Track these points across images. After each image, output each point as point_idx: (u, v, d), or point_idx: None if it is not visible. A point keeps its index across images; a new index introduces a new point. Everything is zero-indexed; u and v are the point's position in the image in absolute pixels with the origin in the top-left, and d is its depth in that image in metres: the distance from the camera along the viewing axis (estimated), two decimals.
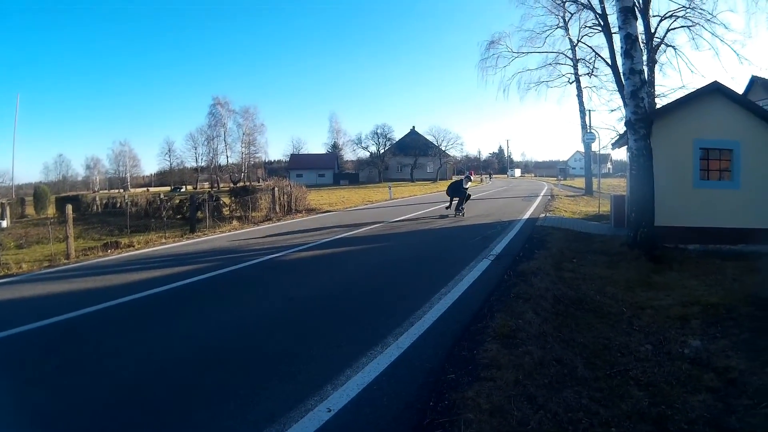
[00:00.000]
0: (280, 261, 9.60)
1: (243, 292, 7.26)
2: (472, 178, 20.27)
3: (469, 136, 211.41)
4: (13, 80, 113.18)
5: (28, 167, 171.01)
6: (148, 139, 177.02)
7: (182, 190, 72.57)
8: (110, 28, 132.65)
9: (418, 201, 27.78)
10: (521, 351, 3.99)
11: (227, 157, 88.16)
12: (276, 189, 21.66)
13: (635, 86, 10.04)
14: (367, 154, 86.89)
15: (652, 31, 22.28)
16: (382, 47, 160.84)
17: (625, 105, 11.07)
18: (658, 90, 23.03)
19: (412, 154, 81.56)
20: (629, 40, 10.16)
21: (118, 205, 31.92)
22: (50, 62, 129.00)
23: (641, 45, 14.60)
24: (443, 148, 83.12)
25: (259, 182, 54.76)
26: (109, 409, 3.53)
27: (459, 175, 29.40)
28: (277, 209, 20.80)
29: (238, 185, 26.35)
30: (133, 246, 13.11)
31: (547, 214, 17.42)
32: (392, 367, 3.93)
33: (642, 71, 10.51)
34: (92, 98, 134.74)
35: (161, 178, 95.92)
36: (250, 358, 4.38)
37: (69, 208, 12.93)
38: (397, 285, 7.23)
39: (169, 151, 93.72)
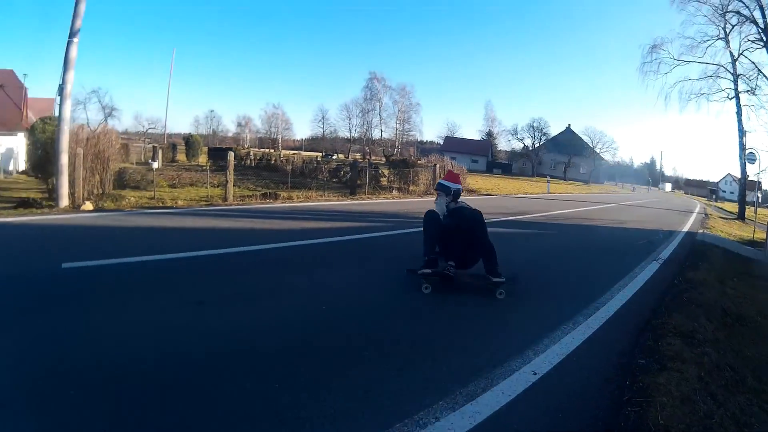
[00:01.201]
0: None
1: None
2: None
3: (623, 142, 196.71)
4: (170, 34, 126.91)
5: (180, 118, 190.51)
6: (301, 104, 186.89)
7: (333, 157, 76.09)
8: None
9: (574, 198, 28.16)
10: (700, 351, 4.27)
11: (381, 131, 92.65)
12: (437, 166, 22.46)
13: None
14: (521, 146, 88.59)
15: None
16: (541, 40, 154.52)
17: None
18: None
19: (566, 153, 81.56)
20: None
21: (273, 162, 33.86)
22: (207, 20, 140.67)
23: None
24: (597, 151, 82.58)
25: (411, 158, 55.98)
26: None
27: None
28: None
29: (392, 159, 27.70)
30: (292, 199, 13.59)
31: (704, 231, 17.30)
32: (587, 344, 4.24)
33: None
34: (247, 59, 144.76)
35: (312, 143, 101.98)
36: (444, 315, 4.72)
37: (231, 155, 13.81)
38: (575, 270, 7.58)
39: (323, 118, 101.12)
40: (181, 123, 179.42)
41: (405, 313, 4.67)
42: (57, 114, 11.70)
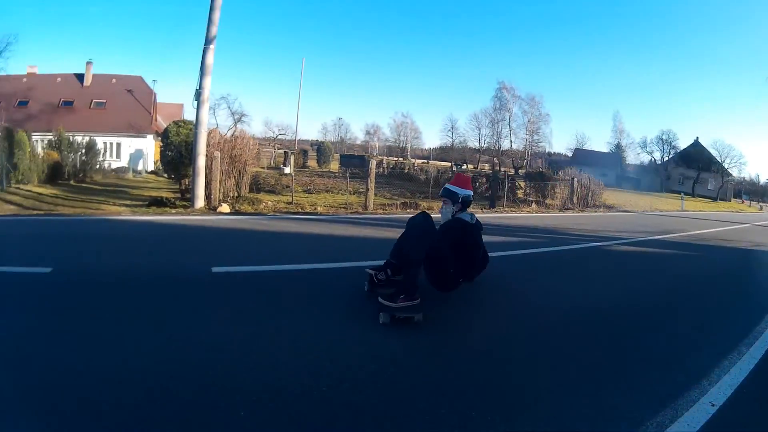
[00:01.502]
0: (607, 250, 9.92)
1: (582, 272, 7.52)
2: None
3: (750, 156, 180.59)
4: (299, 42, 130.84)
5: (308, 125, 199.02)
6: (429, 113, 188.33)
7: (463, 167, 76.18)
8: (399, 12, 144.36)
9: (706, 217, 26.35)
10: None
11: (511, 142, 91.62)
12: (575, 180, 22.19)
13: None
14: (649, 158, 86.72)
15: None
16: (668, 47, 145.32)
17: None
18: None
19: (694, 168, 78.06)
20: None
21: (406, 170, 34.56)
22: (336, 28, 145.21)
23: None
24: (726, 166, 78.24)
25: (547, 170, 56.04)
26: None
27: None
28: (575, 200, 21.43)
29: (520, 171, 27.44)
30: (433, 209, 13.35)
31: None
32: (754, 374, 4.01)
33: None
34: (376, 67, 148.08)
35: (441, 153, 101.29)
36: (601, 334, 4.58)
37: (373, 163, 13.95)
38: (729, 294, 7.24)
39: (452, 128, 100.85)
40: (308, 130, 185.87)
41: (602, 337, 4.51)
42: (193, 118, 12.36)
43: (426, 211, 5.68)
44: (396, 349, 3.61)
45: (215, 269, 5.28)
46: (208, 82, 11.74)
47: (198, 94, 11.65)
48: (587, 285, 6.49)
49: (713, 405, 3.42)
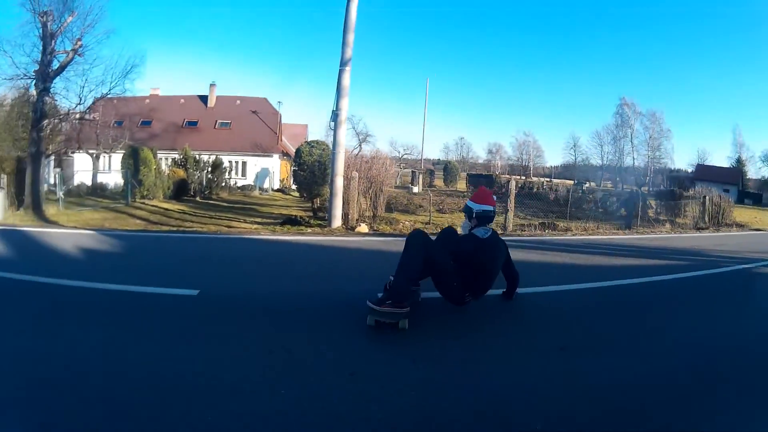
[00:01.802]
0: (757, 273, 9.36)
1: (745, 295, 7.26)
2: None
3: None
4: (423, 63, 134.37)
5: (430, 144, 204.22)
6: (552, 131, 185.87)
7: (586, 185, 74.65)
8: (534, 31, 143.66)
9: None
10: None
11: (633, 158, 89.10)
12: (707, 198, 21.38)
13: None
14: None
15: None
16: None
17: None
18: None
19: None
20: None
21: (535, 189, 33.99)
22: (458, 48, 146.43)
23: None
24: None
25: (677, 189, 54.50)
26: None
27: None
28: (707, 219, 20.67)
29: (643, 189, 26.48)
30: (571, 230, 13.57)
31: None
32: None
33: None
34: (498, 86, 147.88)
35: (563, 171, 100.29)
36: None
37: (513, 184, 14.48)
38: None
39: (575, 146, 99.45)
40: (431, 149, 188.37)
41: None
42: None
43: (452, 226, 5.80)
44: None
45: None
46: (345, 103, 12.11)
47: (335, 116, 12.03)
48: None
49: None
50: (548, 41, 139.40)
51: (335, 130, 12.07)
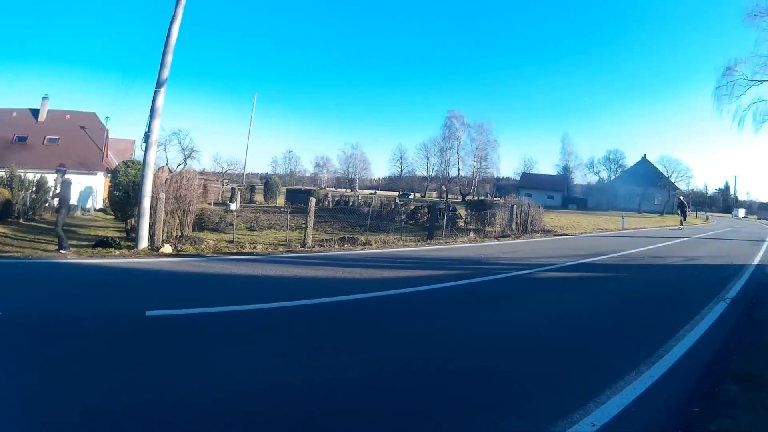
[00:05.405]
0: (529, 278, 10.33)
1: (498, 303, 8.01)
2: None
3: (697, 168, 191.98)
4: (251, 79, 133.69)
5: (258, 158, 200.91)
6: (379, 143, 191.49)
7: (410, 197, 78.52)
8: (350, 39, 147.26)
9: (649, 234, 27.91)
10: (756, 396, 4.33)
11: (459, 169, 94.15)
12: (514, 206, 22.34)
13: None
14: (596, 179, 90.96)
15: None
16: (617, 70, 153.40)
17: None
18: None
19: (641, 184, 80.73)
20: None
21: (350, 203, 34.92)
22: (285, 65, 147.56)
23: None
24: (672, 180, 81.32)
25: (487, 197, 56.93)
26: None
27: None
28: (514, 227, 21.57)
29: (468, 198, 27.61)
30: (371, 244, 13.58)
31: None
32: (647, 394, 4.31)
33: None
34: (326, 100, 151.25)
35: (389, 183, 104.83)
36: (517, 369, 4.82)
37: (312, 201, 14.24)
38: (642, 315, 7.72)
39: (401, 158, 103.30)
40: (259, 163, 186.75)
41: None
42: (141, 158, 12.44)
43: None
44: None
45: (150, 313, 5.56)
46: (157, 124, 11.87)
47: (147, 137, 11.73)
48: (487, 315, 6.95)
49: (594, 425, 3.66)
50: (378, 56, 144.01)
51: (146, 151, 11.76)
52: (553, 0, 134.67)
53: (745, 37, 72.57)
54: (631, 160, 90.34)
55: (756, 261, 16.52)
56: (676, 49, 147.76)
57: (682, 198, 36.61)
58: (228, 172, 77.27)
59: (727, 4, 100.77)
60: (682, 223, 33.27)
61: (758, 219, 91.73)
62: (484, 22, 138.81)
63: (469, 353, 5.16)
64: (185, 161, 70.96)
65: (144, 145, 11.81)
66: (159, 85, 11.67)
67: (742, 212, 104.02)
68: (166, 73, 11.74)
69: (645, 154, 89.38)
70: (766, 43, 30.32)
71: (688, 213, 32.64)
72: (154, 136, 11.82)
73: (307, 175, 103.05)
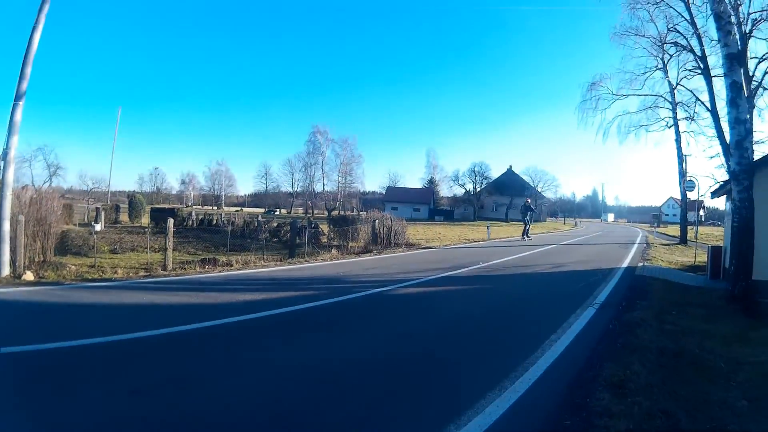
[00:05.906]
0: (387, 295, 10.41)
1: (355, 323, 7.94)
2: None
3: (564, 177, 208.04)
4: (116, 93, 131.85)
5: (124, 176, 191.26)
6: (245, 160, 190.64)
7: (276, 213, 78.59)
8: (211, 51, 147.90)
9: (515, 243, 28.59)
10: (631, 401, 4.42)
11: (324, 184, 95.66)
12: (377, 221, 22.84)
13: (740, 136, 10.33)
14: (463, 191, 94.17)
15: (750, 74, 23.21)
16: (482, 86, 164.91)
17: (729, 155, 11.99)
18: (756, 136, 22.81)
19: (507, 194, 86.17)
20: (735, 88, 10.44)
21: (214, 222, 34.60)
22: (151, 78, 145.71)
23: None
24: (539, 190, 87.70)
25: (353, 212, 57.49)
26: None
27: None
28: (377, 241, 22.06)
29: (333, 213, 27.85)
30: (231, 265, 13.71)
31: (645, 263, 18.51)
32: (512, 411, 4.28)
33: (747, 120, 11.12)
34: (191, 116, 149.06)
35: (255, 199, 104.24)
36: (374, 394, 4.74)
37: (170, 221, 14.01)
38: (507, 327, 7.90)
39: (266, 174, 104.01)
40: (125, 180, 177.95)
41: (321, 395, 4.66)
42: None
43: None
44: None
45: (4, 349, 5.42)
46: (15, 141, 11.22)
47: (5, 154, 11.02)
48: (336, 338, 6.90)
49: None
50: (242, 71, 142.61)
51: (4, 170, 10.97)
52: (418, 18, 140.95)
53: (611, 55, 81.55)
54: (496, 172, 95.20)
55: (624, 264, 17.67)
56: (542, 67, 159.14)
57: (528, 201, 35.10)
58: (94, 190, 73.63)
59: (595, 25, 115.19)
60: (526, 234, 31.49)
61: (627, 222, 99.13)
62: (349, 38, 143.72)
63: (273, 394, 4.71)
64: (50, 179, 66.88)
65: (2, 163, 11.05)
66: (18, 98, 11.07)
67: (611, 216, 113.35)
68: (25, 85, 11.17)
69: (510, 166, 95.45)
70: (632, 60, 34.18)
71: (529, 222, 32.41)
72: (13, 153, 11.16)
73: (174, 192, 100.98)
